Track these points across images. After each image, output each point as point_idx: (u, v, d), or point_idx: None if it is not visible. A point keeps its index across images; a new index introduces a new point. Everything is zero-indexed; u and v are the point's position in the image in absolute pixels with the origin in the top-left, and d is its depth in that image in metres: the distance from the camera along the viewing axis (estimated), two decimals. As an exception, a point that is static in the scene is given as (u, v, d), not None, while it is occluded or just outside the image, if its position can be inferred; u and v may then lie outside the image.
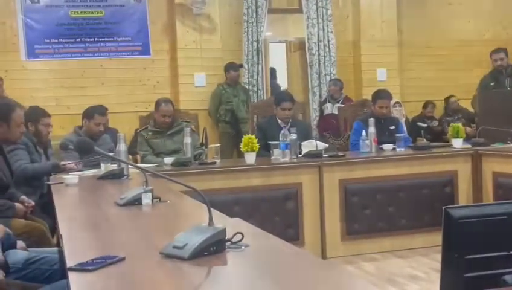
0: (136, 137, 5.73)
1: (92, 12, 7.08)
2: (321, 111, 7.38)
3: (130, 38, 7.20)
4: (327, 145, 5.01)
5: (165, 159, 4.67)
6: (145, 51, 7.26)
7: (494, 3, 8.41)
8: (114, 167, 3.99)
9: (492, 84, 6.43)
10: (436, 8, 8.23)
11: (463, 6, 8.31)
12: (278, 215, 4.51)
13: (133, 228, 2.37)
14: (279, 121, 5.20)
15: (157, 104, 5.14)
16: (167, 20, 7.30)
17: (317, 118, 7.52)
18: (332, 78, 7.55)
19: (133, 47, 7.22)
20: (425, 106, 7.99)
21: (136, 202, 2.70)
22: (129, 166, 3.84)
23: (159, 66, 7.29)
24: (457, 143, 5.15)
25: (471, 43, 8.17)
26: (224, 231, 1.76)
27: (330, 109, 7.33)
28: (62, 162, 4.28)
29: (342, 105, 7.09)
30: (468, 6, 8.33)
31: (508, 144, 5.07)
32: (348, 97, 7.43)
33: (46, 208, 3.74)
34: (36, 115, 4.43)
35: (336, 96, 7.34)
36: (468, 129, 6.91)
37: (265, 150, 4.80)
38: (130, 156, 5.60)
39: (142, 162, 4.96)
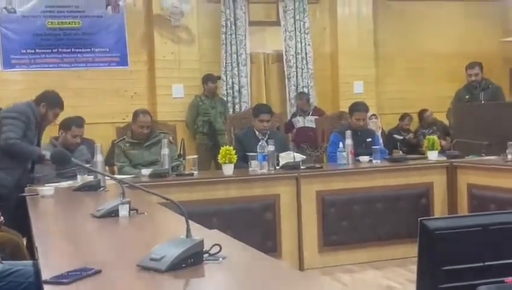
0: (113, 148, 5.70)
1: (69, 23, 7.03)
2: (291, 124, 7.38)
3: (107, 49, 7.17)
4: (305, 156, 5.03)
5: (142, 170, 4.64)
6: (123, 61, 7.23)
7: (468, 19, 8.56)
8: (91, 178, 3.96)
9: (467, 97, 6.52)
10: (412, 22, 8.34)
11: (438, 20, 8.43)
12: (256, 226, 4.51)
13: (109, 240, 2.35)
14: (257, 133, 5.22)
15: (135, 115, 5.12)
16: (145, 31, 7.29)
17: (287, 131, 7.50)
18: (299, 92, 7.58)
19: (111, 58, 7.19)
20: (402, 118, 8.07)
21: (113, 213, 2.68)
22: (106, 177, 3.82)
23: (137, 77, 7.27)
24: (433, 155, 5.21)
25: (447, 56, 8.29)
26: (202, 242, 1.75)
27: (302, 122, 7.34)
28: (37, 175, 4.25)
29: (313, 117, 7.14)
30: (443, 20, 8.46)
31: (482, 156, 5.14)
32: (317, 108, 7.47)
33: (17, 217, 3.67)
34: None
35: (305, 109, 7.37)
36: (443, 142, 7.00)
37: (243, 161, 4.81)
38: (107, 167, 5.56)
39: (119, 173, 4.93)
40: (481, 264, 1.62)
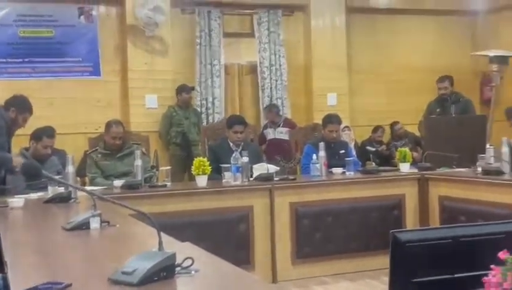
0: (85, 159, 5.64)
1: (42, 32, 6.96)
2: (262, 136, 7.39)
3: (80, 59, 7.11)
4: (278, 168, 5.04)
5: (114, 181, 4.60)
6: (96, 71, 7.17)
7: (440, 33, 8.70)
8: (61, 190, 3.90)
9: (438, 110, 6.61)
10: (384, 35, 8.45)
11: (410, 34, 8.55)
12: (229, 238, 4.50)
13: (80, 253, 2.32)
14: (231, 144, 5.22)
15: (108, 125, 5.08)
16: (119, 41, 7.25)
17: (261, 143, 7.52)
18: (268, 104, 7.60)
19: (84, 68, 7.13)
20: (374, 131, 8.14)
21: (84, 226, 2.65)
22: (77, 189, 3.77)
23: (110, 87, 7.21)
24: (405, 167, 5.27)
25: (419, 69, 8.40)
26: (174, 255, 1.74)
27: (272, 134, 7.35)
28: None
29: (284, 129, 7.16)
30: (415, 34, 8.58)
31: (453, 168, 5.21)
32: (288, 119, 7.49)
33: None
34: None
35: (276, 121, 7.38)
36: (415, 154, 7.08)
37: (216, 173, 4.80)
38: (79, 179, 5.49)
39: (91, 184, 4.88)
40: (451, 276, 1.63)
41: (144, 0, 6.92)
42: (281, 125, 7.32)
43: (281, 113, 7.53)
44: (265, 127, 7.48)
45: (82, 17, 7.12)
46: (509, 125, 5.15)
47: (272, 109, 7.44)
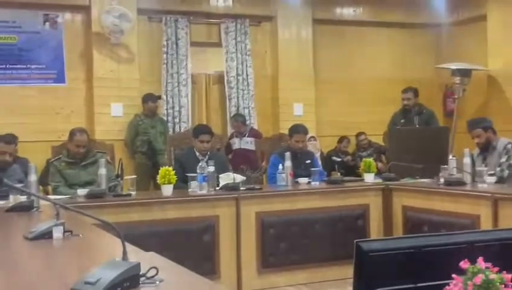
0: (48, 167, 5.55)
1: (5, 38, 6.84)
2: (228, 145, 7.40)
3: (44, 66, 7.00)
4: (244, 178, 5.04)
5: (78, 190, 4.54)
6: (60, 79, 7.08)
7: (405, 45, 8.84)
8: (23, 198, 3.83)
9: (402, 121, 6.72)
10: (350, 47, 8.55)
11: (375, 45, 8.68)
12: (195, 248, 4.47)
13: (42, 263, 2.28)
14: (197, 154, 5.20)
15: (72, 134, 5.01)
16: (84, 48, 7.18)
17: (227, 152, 7.52)
18: (234, 113, 7.62)
19: (48, 75, 7.03)
20: (340, 141, 8.21)
21: (47, 235, 2.60)
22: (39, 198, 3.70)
23: (74, 94, 7.12)
24: (369, 178, 5.33)
25: (384, 81, 8.52)
26: (138, 265, 1.72)
27: (238, 143, 7.35)
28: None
29: (249, 139, 7.18)
30: (380, 46, 8.71)
31: (417, 179, 5.29)
32: (254, 129, 7.51)
33: None
34: None
35: (241, 131, 7.39)
36: (380, 164, 7.17)
37: (182, 182, 4.77)
38: (41, 187, 5.40)
39: (54, 193, 4.80)
40: (413, 285, 1.65)
41: (110, 8, 6.87)
42: (247, 135, 7.32)
43: (247, 123, 7.54)
44: (232, 136, 7.48)
45: (47, 24, 7.02)
46: (471, 137, 5.25)
47: (238, 118, 7.44)
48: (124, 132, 7.01)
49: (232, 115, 7.65)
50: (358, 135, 8.22)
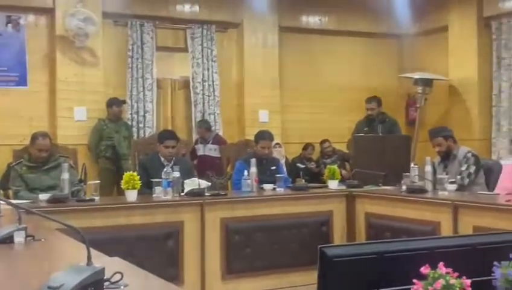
0: (8, 171, 5.44)
1: (-34, 39, 6.71)
2: (193, 150, 7.39)
3: (6, 68, 6.87)
4: (210, 183, 5.04)
5: (40, 195, 4.47)
6: (22, 82, 6.95)
7: (369, 54, 8.97)
8: (-16, 203, 3.75)
9: (365, 129, 6.81)
10: (315, 54, 8.64)
11: (340, 54, 8.78)
12: (159, 254, 4.44)
13: (3, 268, 2.24)
14: (162, 159, 5.18)
15: (34, 137, 4.94)
16: (47, 51, 7.07)
17: (193, 158, 7.51)
18: (200, 119, 7.62)
19: (9, 77, 6.90)
20: (305, 148, 8.27)
21: (8, 240, 2.55)
22: (1, 202, 3.63)
23: (37, 98, 7.01)
24: (333, 184, 5.39)
25: (348, 89, 8.62)
26: (103, 270, 1.71)
27: (202, 150, 7.34)
28: None
29: (213, 146, 7.18)
30: (345, 54, 8.82)
31: (379, 186, 5.36)
32: (218, 136, 7.51)
33: None
34: None
35: (205, 137, 7.39)
36: (344, 171, 7.24)
37: (147, 187, 4.74)
38: (1, 192, 5.30)
39: (15, 198, 4.71)
40: (376, 290, 1.68)
41: (75, 10, 6.79)
42: (211, 142, 7.31)
43: (213, 129, 7.54)
44: (196, 142, 7.47)
45: (9, 25, 6.90)
46: (432, 145, 5.35)
47: (202, 125, 7.43)
48: (88, 137, 6.93)
49: (197, 120, 7.64)
50: (322, 142, 8.30)
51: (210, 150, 7.24)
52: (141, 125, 7.41)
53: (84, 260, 1.72)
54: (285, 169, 6.37)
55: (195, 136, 7.69)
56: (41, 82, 7.04)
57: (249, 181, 5.08)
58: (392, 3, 8.18)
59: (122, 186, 4.53)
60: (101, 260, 1.84)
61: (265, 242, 4.87)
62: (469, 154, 5.14)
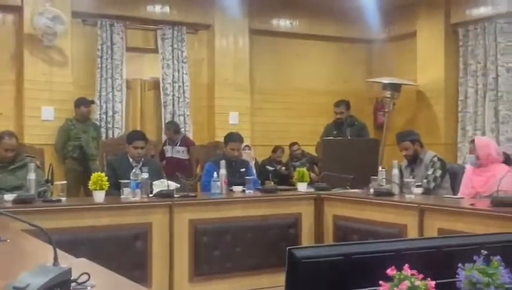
0: (-27, 171, 5.34)
1: None
2: (162, 152, 7.35)
3: (-28, 66, 6.76)
4: (179, 185, 5.02)
5: (5, 195, 4.39)
6: (-12, 80, 6.84)
7: (338, 58, 9.06)
8: None
9: (334, 132, 6.86)
10: (286, 58, 8.69)
11: (309, 58, 8.85)
12: (126, 255, 4.40)
13: (-34, 269, 2.20)
14: (131, 160, 5.14)
15: (0, 137, 4.85)
16: (14, 50, 6.96)
17: (162, 159, 7.48)
18: (168, 121, 7.59)
19: (-25, 75, 6.78)
20: (274, 151, 8.30)
21: (-28, 241, 2.52)
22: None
23: (3, 97, 6.89)
24: (302, 187, 5.42)
25: (318, 92, 8.69)
26: (69, 271, 1.69)
27: (170, 151, 7.31)
28: None
29: (181, 147, 7.16)
30: (314, 58, 8.89)
31: (347, 189, 5.41)
32: (186, 137, 7.49)
33: None
34: None
35: (174, 139, 7.36)
36: (312, 174, 7.29)
37: (115, 188, 4.70)
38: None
39: (-21, 198, 4.62)
40: (343, 291, 1.70)
41: (43, 9, 6.71)
42: (179, 144, 7.28)
43: (181, 130, 7.51)
44: (165, 144, 7.44)
45: (-25, 22, 6.79)
46: (399, 149, 5.42)
47: (170, 127, 7.40)
48: (55, 137, 6.84)
49: (166, 122, 7.60)
50: (291, 145, 8.35)
51: (178, 152, 7.21)
52: (110, 125, 7.35)
53: (50, 261, 1.71)
54: (254, 171, 6.38)
55: (164, 138, 7.65)
56: (8, 81, 6.94)
57: (218, 183, 5.07)
58: (362, 8, 8.27)
59: (89, 187, 4.49)
60: (67, 261, 1.82)
61: (233, 244, 4.87)
62: (435, 159, 5.22)
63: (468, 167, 4.90)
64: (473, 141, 4.95)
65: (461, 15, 8.03)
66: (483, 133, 7.50)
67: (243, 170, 5.61)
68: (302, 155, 8.29)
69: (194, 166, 6.69)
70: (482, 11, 7.82)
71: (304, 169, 5.67)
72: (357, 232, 4.78)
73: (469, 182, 4.81)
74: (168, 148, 7.32)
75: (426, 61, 8.28)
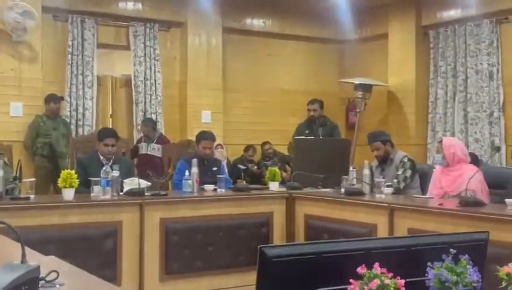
0: None
1: None
2: (135, 149, 7.31)
3: None
4: (150, 183, 4.98)
5: (-28, 193, 4.31)
6: (-45, 75, 6.70)
7: (310, 58, 9.10)
8: None
9: (306, 132, 6.89)
10: (258, 56, 8.70)
11: (282, 57, 8.87)
12: (96, 254, 4.35)
13: None
14: (101, 157, 5.09)
15: (-33, 133, 4.76)
16: (-17, 44, 6.85)
17: (133, 157, 7.43)
18: (145, 118, 7.55)
19: None
20: (246, 150, 8.30)
21: None
22: None
23: (-29, 92, 6.77)
24: (274, 186, 5.43)
25: (290, 92, 8.73)
26: (38, 269, 1.67)
27: (145, 148, 7.27)
28: None
29: (157, 145, 7.13)
30: (287, 59, 8.92)
31: (319, 188, 5.44)
32: (162, 136, 7.46)
33: None
34: None
35: (150, 136, 7.33)
36: (284, 173, 7.31)
37: (85, 186, 4.64)
38: None
39: None
40: (313, 290, 1.71)
41: (13, 4, 6.60)
42: (155, 141, 7.25)
43: (157, 128, 7.48)
44: (140, 141, 7.39)
45: None
46: (370, 149, 5.47)
47: (148, 123, 7.35)
48: (24, 133, 6.74)
49: (141, 119, 7.55)
50: (263, 144, 8.36)
51: (153, 149, 7.16)
52: (80, 123, 7.27)
53: (18, 259, 1.68)
54: (226, 170, 6.37)
55: (136, 135, 7.60)
56: (-25, 76, 6.81)
57: (190, 181, 5.05)
58: (335, 9, 8.33)
59: (59, 185, 4.43)
60: (36, 259, 1.79)
61: (205, 243, 4.85)
62: (405, 159, 5.28)
63: (437, 167, 4.97)
64: (441, 141, 5.02)
65: (432, 17, 8.14)
66: (453, 134, 7.61)
67: (215, 168, 5.60)
68: (274, 154, 8.31)
69: (166, 164, 6.66)
70: (452, 13, 7.94)
71: (276, 168, 5.68)
72: (328, 231, 4.80)
73: (438, 182, 4.87)
74: (143, 145, 7.27)
75: (397, 62, 8.37)
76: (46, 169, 6.60)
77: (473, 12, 7.62)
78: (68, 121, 7.10)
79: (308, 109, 7.00)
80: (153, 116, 7.66)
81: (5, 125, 6.71)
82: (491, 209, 3.91)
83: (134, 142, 7.51)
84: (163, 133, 7.64)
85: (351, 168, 5.20)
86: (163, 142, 7.21)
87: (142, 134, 7.41)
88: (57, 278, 1.71)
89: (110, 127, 7.02)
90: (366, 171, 5.02)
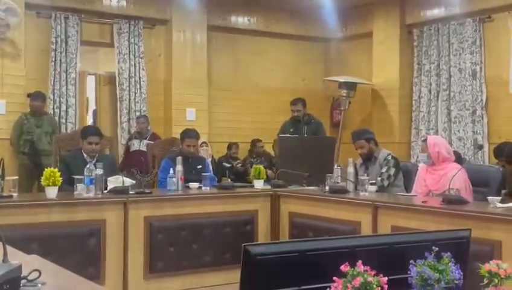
0: None
1: None
2: (127, 147, 7.29)
3: None
4: (134, 181, 4.96)
5: (-47, 191, 4.26)
6: None
7: (295, 56, 9.12)
8: None
9: (291, 130, 6.90)
10: (243, 54, 8.69)
11: (267, 56, 8.88)
12: (79, 252, 4.33)
13: None
14: (85, 155, 5.06)
15: None
16: (-35, 41, 6.77)
17: (123, 154, 7.44)
18: (141, 114, 7.54)
19: None
20: (229, 147, 8.30)
21: None
22: None
23: (-48, 89, 6.70)
24: (259, 184, 5.43)
25: (275, 90, 8.73)
26: (19, 267, 1.65)
27: (137, 145, 7.27)
28: None
29: (149, 142, 7.11)
30: (272, 56, 8.92)
31: (304, 186, 5.45)
32: (155, 133, 7.46)
33: None
34: None
35: (143, 133, 7.33)
36: (269, 171, 7.32)
37: (68, 184, 4.61)
38: None
39: None
40: (298, 288, 1.71)
41: (-4, 0, 6.53)
42: (148, 138, 7.24)
43: (149, 127, 7.47)
44: (131, 137, 7.38)
45: None
46: (355, 147, 5.49)
47: (145, 121, 7.40)
48: (7, 131, 6.68)
49: (127, 117, 7.54)
50: (255, 141, 8.34)
51: (146, 146, 7.15)
52: (63, 120, 7.22)
53: (0, 258, 1.66)
54: (211, 168, 6.36)
55: (120, 133, 7.56)
56: (-43, 73, 6.74)
57: (174, 179, 5.03)
58: (320, 8, 8.34)
59: (42, 183, 4.39)
60: (18, 258, 1.78)
61: (189, 241, 4.84)
62: (389, 157, 5.30)
63: (422, 166, 5.00)
64: (425, 140, 5.04)
65: (416, 16, 8.18)
66: (436, 133, 7.67)
67: (200, 166, 5.59)
68: (263, 152, 8.32)
69: (151, 162, 6.63)
70: (436, 12, 7.99)
71: (261, 166, 5.69)
72: (313, 229, 4.82)
73: (422, 181, 4.90)
74: (134, 142, 7.27)
75: (381, 61, 8.41)
76: (28, 167, 6.55)
77: (456, 11, 7.68)
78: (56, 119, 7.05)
79: (292, 110, 7.00)
80: (137, 114, 7.62)
81: (-13, 123, 6.65)
82: (473, 207, 3.94)
83: (119, 140, 7.48)
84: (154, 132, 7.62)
85: (335, 166, 5.22)
86: (155, 140, 7.20)
87: (133, 131, 7.40)
88: (39, 277, 1.69)
89: (94, 124, 6.97)
90: (351, 169, 5.04)
